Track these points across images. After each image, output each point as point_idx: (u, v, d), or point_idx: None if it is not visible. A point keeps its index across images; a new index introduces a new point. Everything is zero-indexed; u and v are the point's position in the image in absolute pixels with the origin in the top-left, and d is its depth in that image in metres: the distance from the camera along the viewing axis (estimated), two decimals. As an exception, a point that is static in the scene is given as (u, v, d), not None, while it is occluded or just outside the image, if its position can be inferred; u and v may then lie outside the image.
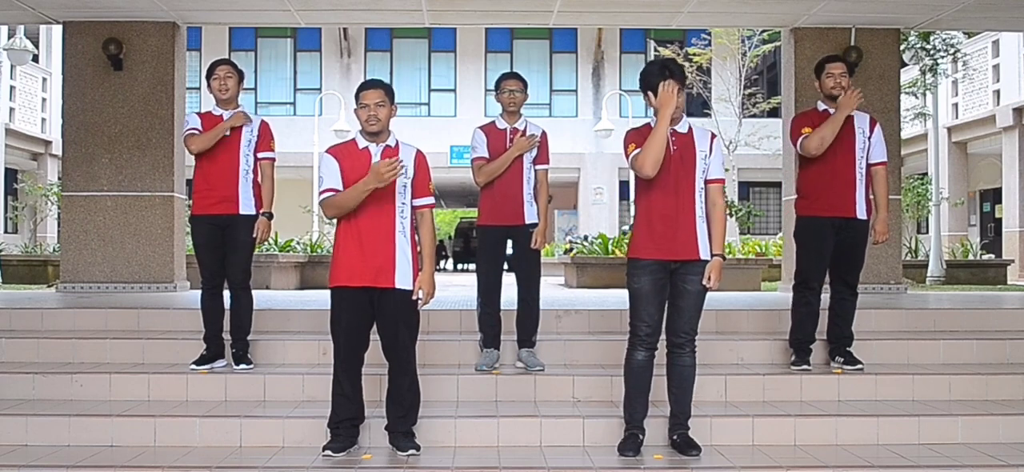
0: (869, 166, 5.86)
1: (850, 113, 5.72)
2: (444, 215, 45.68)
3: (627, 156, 4.70)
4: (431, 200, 4.87)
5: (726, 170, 15.00)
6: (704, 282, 4.68)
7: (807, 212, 5.85)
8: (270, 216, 5.91)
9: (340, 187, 4.67)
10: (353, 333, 4.71)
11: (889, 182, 6.02)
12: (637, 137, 4.70)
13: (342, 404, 4.74)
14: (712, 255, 4.72)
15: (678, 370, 4.81)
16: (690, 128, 4.75)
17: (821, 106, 5.89)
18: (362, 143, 4.75)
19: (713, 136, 4.82)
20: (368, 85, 4.74)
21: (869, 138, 5.84)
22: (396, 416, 4.79)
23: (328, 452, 4.71)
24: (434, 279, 4.81)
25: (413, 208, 4.79)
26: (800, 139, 5.80)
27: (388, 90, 4.74)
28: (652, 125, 4.66)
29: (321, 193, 4.70)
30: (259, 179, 5.93)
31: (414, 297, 4.73)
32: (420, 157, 4.83)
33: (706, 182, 4.73)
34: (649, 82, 4.68)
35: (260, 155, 5.92)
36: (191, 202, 5.94)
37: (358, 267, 4.64)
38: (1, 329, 6.51)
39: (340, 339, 4.72)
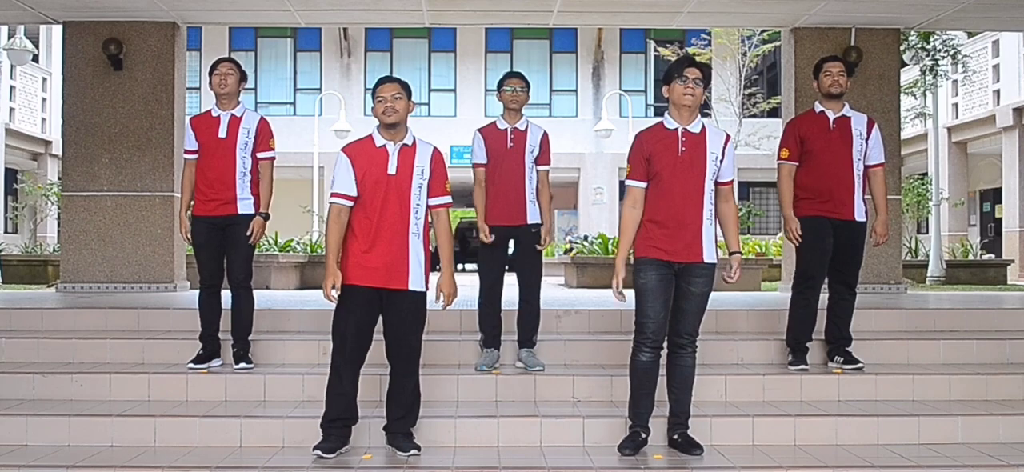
0: (867, 168, 5.86)
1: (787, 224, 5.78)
2: (444, 215, 45.50)
3: (629, 172, 4.76)
4: (448, 199, 4.82)
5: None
6: (728, 278, 4.69)
7: (806, 212, 5.84)
8: (266, 217, 5.90)
9: (351, 192, 4.61)
10: (361, 332, 4.67)
11: (887, 184, 6.03)
12: (647, 142, 4.72)
13: (338, 402, 4.70)
14: (731, 252, 4.78)
15: (679, 370, 4.82)
16: (704, 128, 4.74)
17: (818, 108, 5.88)
18: (379, 141, 4.70)
19: (727, 138, 4.80)
20: (385, 79, 4.74)
21: (866, 140, 5.83)
22: (396, 416, 4.78)
23: (318, 452, 4.66)
24: (454, 280, 4.78)
25: (429, 207, 4.77)
26: (779, 160, 5.93)
27: (405, 86, 4.72)
28: (664, 123, 4.74)
29: (331, 195, 4.66)
30: (259, 179, 5.93)
31: (437, 300, 4.74)
32: (437, 155, 4.79)
33: (717, 184, 4.73)
34: (668, 74, 4.75)
35: (260, 155, 5.91)
36: (193, 202, 5.95)
37: (371, 266, 4.60)
38: (1, 329, 6.50)
39: (347, 337, 4.65)
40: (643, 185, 4.71)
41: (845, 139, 5.77)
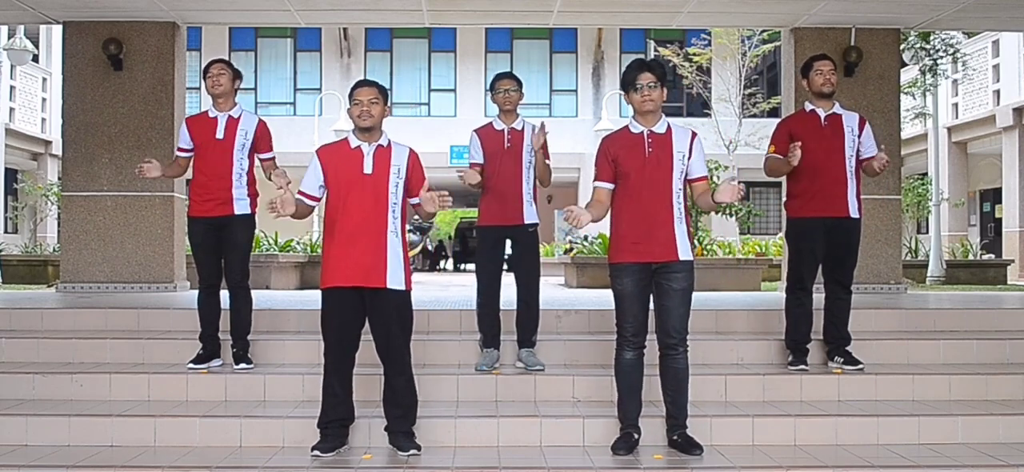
0: (859, 162, 5.89)
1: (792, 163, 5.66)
2: (444, 215, 45.58)
3: (595, 174, 4.83)
4: None
5: (725, 168, 14.95)
6: (719, 199, 4.61)
7: (798, 213, 5.88)
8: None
9: (313, 193, 4.79)
10: (343, 334, 4.72)
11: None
12: (612, 145, 4.77)
13: (332, 404, 4.76)
14: (717, 198, 4.66)
15: (672, 372, 4.82)
16: (669, 128, 4.76)
17: (809, 107, 5.93)
18: (354, 142, 4.77)
19: (694, 135, 4.83)
20: (361, 83, 4.81)
21: (859, 137, 5.88)
22: (395, 416, 4.80)
23: (317, 452, 4.71)
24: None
25: (412, 206, 4.85)
26: (766, 156, 5.97)
27: (381, 89, 4.79)
28: (630, 127, 4.79)
29: (297, 191, 4.80)
30: (255, 179, 5.95)
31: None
32: (413, 157, 4.85)
33: (687, 182, 4.76)
34: (625, 80, 4.76)
35: (262, 156, 5.96)
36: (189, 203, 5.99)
37: (348, 267, 4.65)
38: (1, 329, 6.51)
39: (331, 340, 4.73)
40: (609, 186, 4.79)
41: (837, 136, 5.80)
